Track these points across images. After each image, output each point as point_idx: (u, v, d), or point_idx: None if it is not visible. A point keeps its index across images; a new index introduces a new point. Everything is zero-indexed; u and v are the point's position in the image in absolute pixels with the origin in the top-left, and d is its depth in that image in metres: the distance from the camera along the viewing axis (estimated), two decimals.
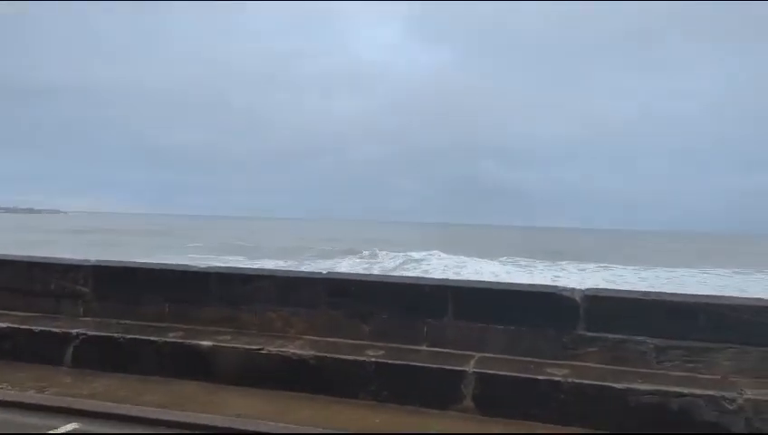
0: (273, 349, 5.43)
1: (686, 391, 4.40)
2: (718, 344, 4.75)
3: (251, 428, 4.57)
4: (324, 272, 6.15)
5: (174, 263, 7.03)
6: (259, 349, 5.46)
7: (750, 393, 4.29)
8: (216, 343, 5.59)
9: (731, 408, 4.26)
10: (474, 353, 5.21)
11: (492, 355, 5.17)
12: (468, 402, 4.84)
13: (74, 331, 5.97)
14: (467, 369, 4.90)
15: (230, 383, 5.34)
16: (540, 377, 4.74)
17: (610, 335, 5.00)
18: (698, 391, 4.38)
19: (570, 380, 4.65)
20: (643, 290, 5.33)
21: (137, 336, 5.82)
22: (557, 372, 4.78)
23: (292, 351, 5.37)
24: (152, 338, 5.75)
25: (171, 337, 5.75)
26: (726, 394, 4.31)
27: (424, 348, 5.45)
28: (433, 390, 4.95)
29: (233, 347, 5.52)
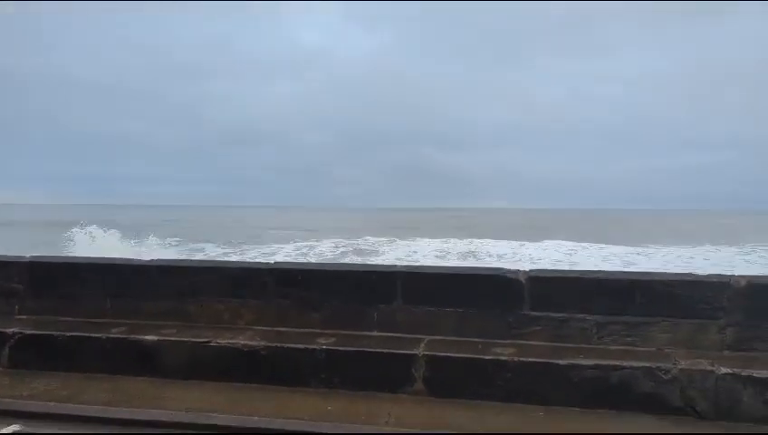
0: (222, 341, 5.37)
1: (624, 364, 4.61)
2: (653, 318, 4.99)
3: (202, 421, 4.51)
4: (272, 262, 6.10)
5: (117, 257, 6.83)
6: (207, 341, 5.38)
7: (683, 364, 4.54)
8: (161, 338, 5.47)
9: (666, 378, 4.49)
10: (423, 337, 5.30)
11: (441, 338, 5.28)
12: (419, 385, 4.93)
13: (9, 330, 5.73)
14: (417, 352, 4.98)
15: (179, 378, 5.25)
16: (487, 357, 4.86)
17: (554, 314, 5.18)
18: (636, 364, 4.59)
19: (516, 358, 4.80)
20: (583, 269, 5.53)
21: (77, 333, 5.63)
22: (504, 352, 4.91)
23: (242, 342, 5.32)
24: (94, 335, 5.57)
25: (114, 333, 5.60)
26: (662, 365, 4.54)
27: (375, 333, 5.51)
28: (384, 374, 5.01)
29: (179, 341, 5.42)
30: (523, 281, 5.25)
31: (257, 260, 11.87)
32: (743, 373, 4.37)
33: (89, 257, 6.83)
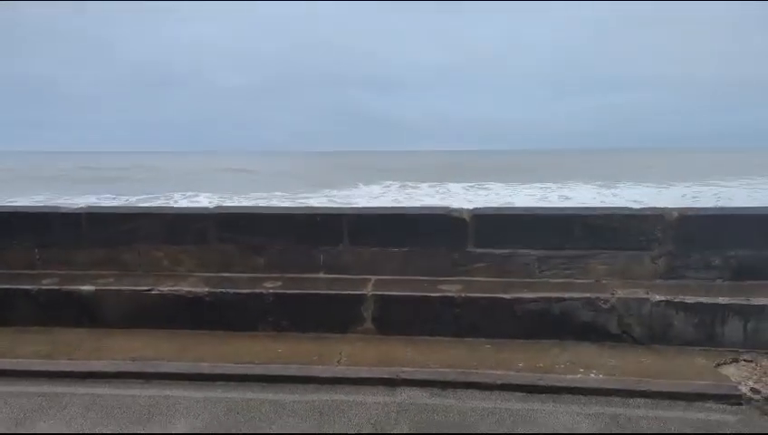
0: (164, 288, 5.21)
1: (565, 295, 4.80)
2: (591, 251, 5.19)
3: (149, 369, 4.42)
4: (212, 206, 5.92)
5: (41, 204, 6.43)
6: (149, 289, 5.21)
7: (621, 293, 4.76)
8: (98, 287, 5.25)
9: (605, 307, 4.71)
10: (371, 277, 5.32)
11: (388, 277, 5.32)
12: (369, 324, 4.97)
13: None
14: (366, 292, 5.00)
15: (120, 327, 5.08)
16: (434, 294, 4.94)
17: (497, 251, 5.29)
18: (576, 295, 4.79)
19: (463, 295, 4.90)
20: (525, 206, 5.65)
21: (6, 286, 5.32)
22: (450, 289, 5.01)
23: (185, 289, 5.18)
24: (25, 286, 5.29)
25: (46, 284, 5.33)
26: (601, 296, 4.75)
27: (321, 275, 5.48)
28: (333, 315, 5.02)
29: (119, 290, 5.23)
30: (468, 219, 5.31)
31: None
32: (675, 300, 4.63)
33: (10, 206, 6.41)
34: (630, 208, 5.20)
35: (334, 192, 39.14)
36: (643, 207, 5.24)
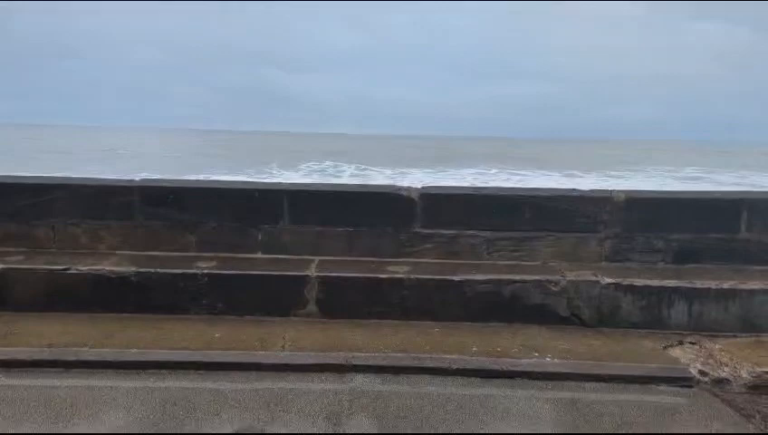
0: (83, 268, 4.71)
1: (516, 277, 4.70)
2: (539, 233, 5.12)
3: (69, 357, 3.95)
4: (137, 178, 5.42)
5: None
6: (65, 269, 4.69)
7: (570, 276, 4.71)
8: (6, 266, 4.69)
9: (555, 290, 4.65)
10: (313, 258, 5.03)
11: (333, 258, 5.04)
12: (312, 307, 4.69)
13: None
14: (309, 273, 4.71)
15: (34, 311, 4.53)
16: (382, 275, 4.73)
17: (445, 231, 5.13)
18: (527, 277, 4.70)
19: (412, 276, 4.71)
20: (474, 186, 5.51)
21: None
22: (398, 270, 4.80)
23: (108, 268, 4.70)
24: None
25: None
26: (551, 278, 4.69)
27: (259, 256, 5.14)
28: (274, 297, 4.70)
29: (31, 269, 4.69)
30: (416, 198, 5.11)
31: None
32: (624, 283, 4.63)
33: None
34: (579, 190, 5.16)
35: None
36: (592, 188, 5.22)
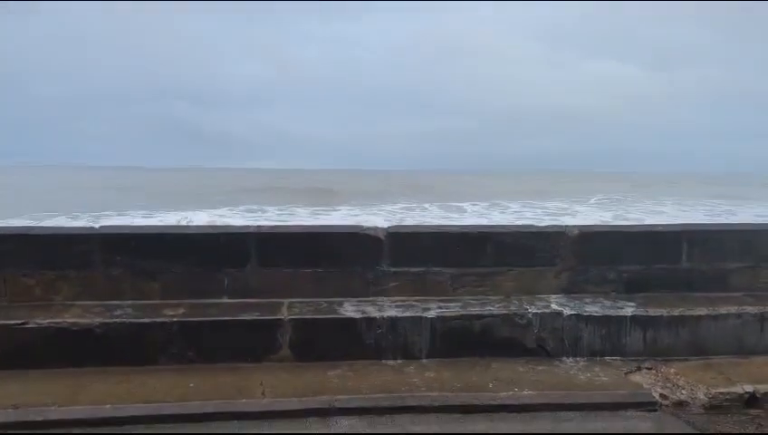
0: (42, 321, 4.51)
1: (485, 312, 4.87)
2: (501, 268, 5.33)
3: (37, 417, 3.77)
4: (97, 226, 5.26)
5: None
6: (23, 323, 4.48)
7: (534, 309, 4.92)
8: None
9: (522, 323, 4.84)
10: (283, 300, 5.02)
11: (303, 300, 5.04)
12: (285, 351, 4.67)
13: None
14: (282, 317, 4.71)
15: None
16: (355, 316, 4.77)
17: (412, 269, 5.25)
18: (496, 312, 4.87)
19: (384, 314, 4.77)
20: (438, 224, 5.68)
21: None
22: (370, 310, 4.86)
23: (69, 320, 4.53)
24: None
25: None
26: (518, 311, 4.88)
27: (225, 300, 5.08)
28: (246, 343, 4.65)
29: None
30: (383, 237, 5.22)
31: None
32: (584, 314, 4.88)
33: None
34: (537, 226, 5.44)
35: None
36: (548, 224, 5.49)
